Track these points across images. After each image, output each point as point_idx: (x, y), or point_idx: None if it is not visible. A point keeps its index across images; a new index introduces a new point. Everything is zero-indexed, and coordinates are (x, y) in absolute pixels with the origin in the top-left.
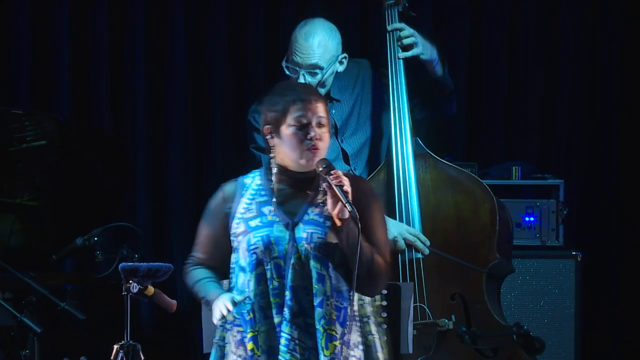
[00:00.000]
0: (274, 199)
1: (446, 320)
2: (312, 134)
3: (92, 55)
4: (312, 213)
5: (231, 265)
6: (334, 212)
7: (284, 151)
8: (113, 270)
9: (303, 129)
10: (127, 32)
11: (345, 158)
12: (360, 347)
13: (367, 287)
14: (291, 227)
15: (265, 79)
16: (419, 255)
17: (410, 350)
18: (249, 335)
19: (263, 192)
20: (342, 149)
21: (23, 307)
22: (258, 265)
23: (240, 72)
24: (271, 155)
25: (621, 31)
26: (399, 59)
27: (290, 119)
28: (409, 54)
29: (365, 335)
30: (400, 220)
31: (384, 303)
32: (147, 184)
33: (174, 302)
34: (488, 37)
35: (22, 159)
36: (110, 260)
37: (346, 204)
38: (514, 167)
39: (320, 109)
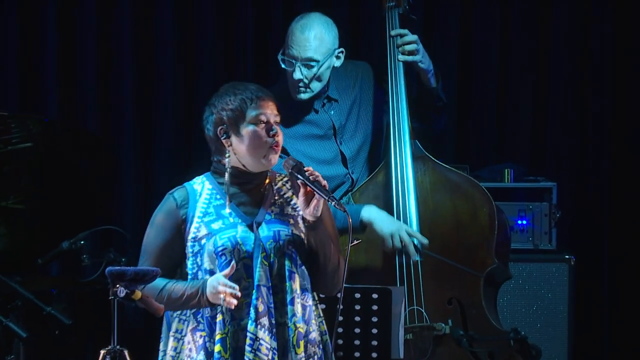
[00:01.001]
0: (230, 201)
1: (443, 325)
2: (275, 130)
3: (78, 55)
4: (273, 212)
5: (190, 271)
6: (308, 210)
7: (243, 151)
8: (99, 274)
9: (265, 127)
10: (114, 32)
11: (344, 160)
12: (320, 345)
13: (332, 285)
14: (255, 227)
15: (255, 80)
16: (417, 258)
17: (401, 356)
18: (217, 337)
19: (218, 196)
20: (340, 151)
21: (8, 311)
22: (228, 266)
23: (230, 72)
24: (227, 156)
25: (613, 30)
26: (398, 61)
27: (249, 117)
28: (410, 58)
29: (321, 334)
30: None
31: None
32: (134, 187)
33: (162, 306)
34: (478, 38)
35: (7, 161)
36: (96, 264)
37: (329, 198)
38: (506, 170)
39: (274, 106)
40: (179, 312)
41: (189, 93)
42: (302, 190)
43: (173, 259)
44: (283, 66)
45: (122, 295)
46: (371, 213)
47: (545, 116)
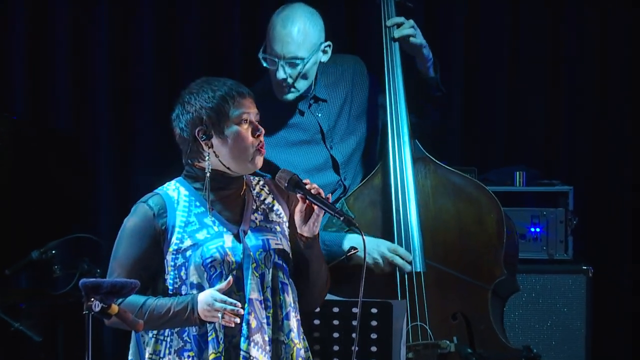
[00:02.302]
0: (212, 209)
1: (448, 342)
2: (260, 131)
3: (50, 50)
4: (257, 219)
5: (171, 286)
6: (306, 227)
7: (227, 153)
8: (72, 286)
9: (250, 127)
10: (89, 24)
11: (335, 166)
12: None
13: (317, 300)
14: (242, 235)
15: (242, 79)
16: (419, 270)
17: None
18: (211, 357)
19: (198, 203)
20: (331, 156)
21: None
22: (219, 279)
23: (214, 69)
24: (206, 159)
25: (632, 28)
26: (393, 40)
27: (232, 117)
28: (410, 40)
29: (305, 350)
30: (399, 231)
31: None
32: (110, 191)
33: (140, 321)
34: (487, 31)
35: None
36: (69, 275)
37: (336, 213)
38: (517, 173)
39: (254, 104)
40: (155, 332)
41: (171, 90)
42: (299, 206)
43: (149, 272)
44: (265, 65)
45: (97, 309)
46: (354, 240)
47: (560, 114)
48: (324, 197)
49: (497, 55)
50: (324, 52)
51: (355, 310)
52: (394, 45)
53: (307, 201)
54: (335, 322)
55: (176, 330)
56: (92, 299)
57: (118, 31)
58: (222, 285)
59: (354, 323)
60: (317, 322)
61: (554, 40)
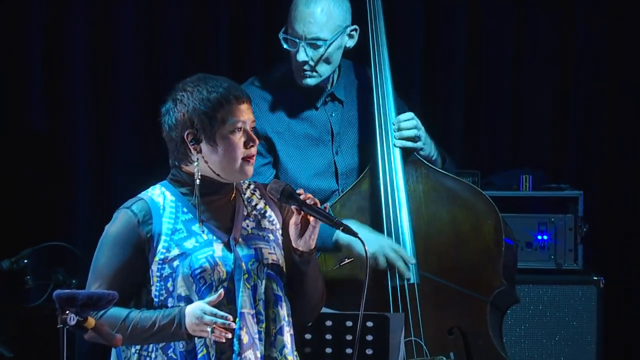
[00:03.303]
0: (202, 216)
1: (444, 358)
2: (253, 143)
3: (24, 46)
4: (249, 226)
5: (156, 298)
6: (302, 241)
7: (216, 161)
8: (46, 298)
9: (244, 137)
10: (65, 19)
11: (336, 174)
12: None
13: (312, 314)
14: (233, 244)
15: (230, 75)
16: (413, 281)
17: None
18: None
19: (185, 209)
20: (334, 162)
21: None
22: (209, 291)
23: (199, 65)
24: (195, 164)
25: None
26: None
27: (226, 124)
28: (409, 145)
29: None
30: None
31: None
32: (87, 196)
33: (119, 336)
34: (489, 33)
35: None
36: (42, 286)
37: (335, 224)
38: (523, 176)
39: (251, 109)
40: (138, 347)
41: (152, 86)
42: (294, 218)
43: (133, 281)
44: (285, 46)
45: (72, 323)
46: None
47: (568, 114)
48: (320, 207)
49: (500, 55)
50: (350, 36)
51: (349, 324)
52: (381, 42)
53: (302, 213)
54: (328, 336)
55: (161, 345)
56: (67, 312)
57: (96, 27)
58: (213, 297)
59: (348, 337)
60: (308, 336)
61: (561, 39)
